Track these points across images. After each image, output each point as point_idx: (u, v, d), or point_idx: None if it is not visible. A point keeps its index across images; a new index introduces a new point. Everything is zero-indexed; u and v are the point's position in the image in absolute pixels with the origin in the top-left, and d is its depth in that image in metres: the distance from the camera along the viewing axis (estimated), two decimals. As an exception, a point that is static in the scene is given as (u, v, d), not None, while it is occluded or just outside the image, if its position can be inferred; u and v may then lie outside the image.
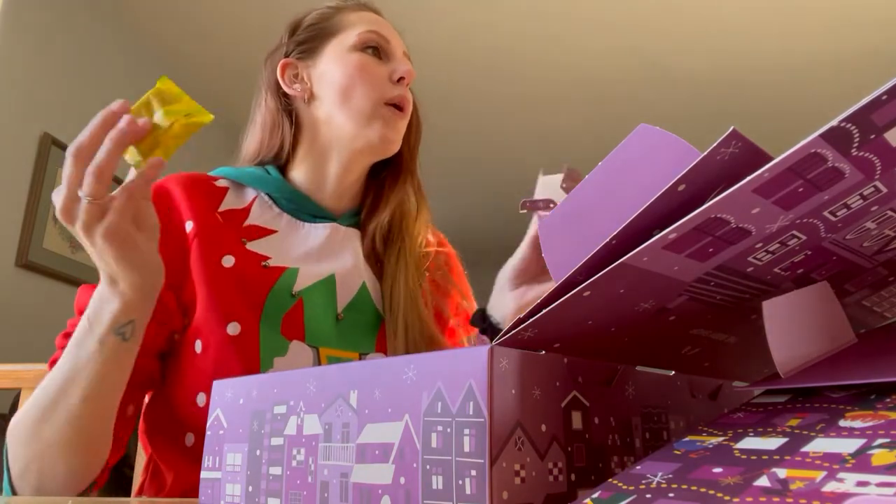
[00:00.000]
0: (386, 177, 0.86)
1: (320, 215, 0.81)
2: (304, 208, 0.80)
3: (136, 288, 0.55)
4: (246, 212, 0.78)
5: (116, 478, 1.23)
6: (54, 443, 0.58)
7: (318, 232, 0.79)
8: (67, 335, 0.67)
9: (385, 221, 0.83)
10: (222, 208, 0.77)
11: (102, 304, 0.57)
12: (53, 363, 0.66)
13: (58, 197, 0.52)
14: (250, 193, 0.81)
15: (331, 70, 0.79)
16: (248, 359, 0.67)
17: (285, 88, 0.82)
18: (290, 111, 0.83)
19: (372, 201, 0.85)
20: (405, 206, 0.85)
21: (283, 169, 0.84)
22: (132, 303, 0.56)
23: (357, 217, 0.84)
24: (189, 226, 0.73)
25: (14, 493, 0.59)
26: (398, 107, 0.79)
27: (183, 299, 0.70)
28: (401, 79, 0.79)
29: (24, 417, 0.60)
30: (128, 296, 0.56)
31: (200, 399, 0.66)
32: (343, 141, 0.79)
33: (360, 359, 0.74)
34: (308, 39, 0.82)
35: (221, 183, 0.80)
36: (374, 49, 0.80)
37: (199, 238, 0.72)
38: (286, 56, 0.83)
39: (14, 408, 1.72)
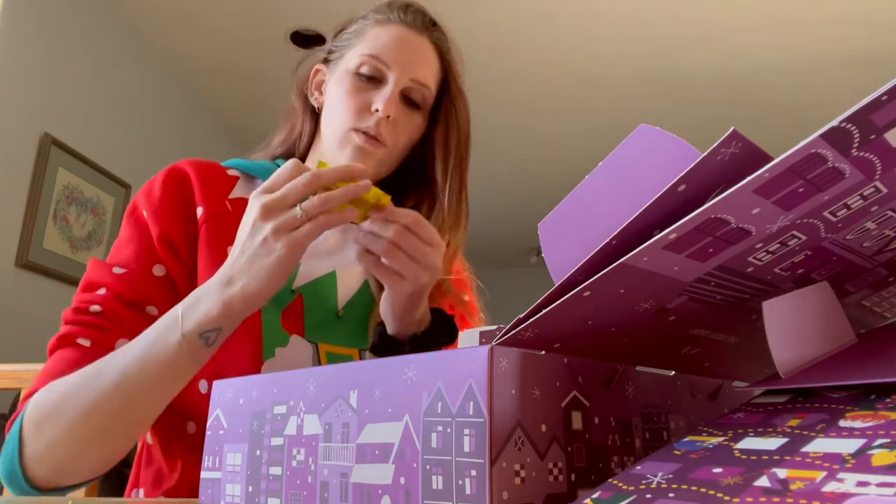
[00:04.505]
0: (410, 195, 0.83)
1: None
2: None
3: (247, 299, 0.54)
4: None
5: (116, 478, 1.22)
6: (103, 426, 0.57)
7: None
8: (78, 310, 0.66)
9: None
10: (232, 196, 0.77)
11: (200, 301, 0.56)
12: (62, 338, 0.64)
13: (266, 197, 0.55)
14: (260, 185, 0.81)
15: (331, 88, 0.80)
16: (251, 346, 0.67)
17: (307, 94, 0.83)
18: (313, 110, 0.84)
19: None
20: None
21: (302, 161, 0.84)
22: (230, 310, 0.55)
23: None
24: (199, 211, 0.73)
25: (24, 473, 0.57)
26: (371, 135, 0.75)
27: (193, 284, 0.70)
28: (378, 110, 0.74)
29: (68, 393, 0.57)
30: (233, 303, 0.54)
31: (202, 386, 0.67)
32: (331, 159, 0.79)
33: (359, 355, 0.74)
34: (337, 48, 0.82)
35: (233, 172, 0.80)
36: (369, 77, 0.76)
37: (208, 224, 0.72)
38: (324, 60, 0.83)
39: (14, 408, 1.71)
